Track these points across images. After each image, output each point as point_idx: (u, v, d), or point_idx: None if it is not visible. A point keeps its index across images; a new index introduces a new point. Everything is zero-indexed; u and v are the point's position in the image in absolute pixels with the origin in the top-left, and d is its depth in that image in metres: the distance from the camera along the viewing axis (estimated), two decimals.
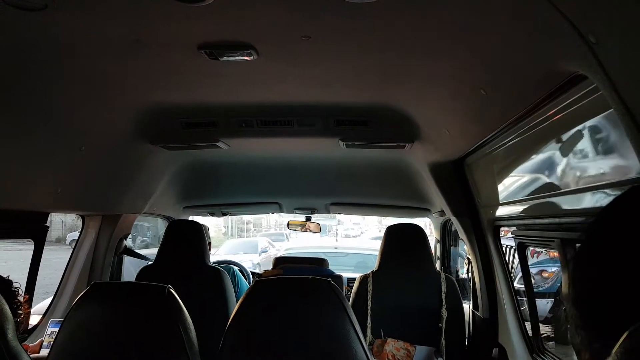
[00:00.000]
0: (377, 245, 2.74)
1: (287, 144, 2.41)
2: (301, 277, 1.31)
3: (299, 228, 3.95)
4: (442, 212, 2.87)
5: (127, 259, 2.88)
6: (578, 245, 0.57)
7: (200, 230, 2.47)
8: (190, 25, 1.21)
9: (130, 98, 1.82)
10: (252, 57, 1.42)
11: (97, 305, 1.31)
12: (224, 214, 3.51)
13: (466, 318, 2.49)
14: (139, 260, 3.11)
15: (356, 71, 1.61)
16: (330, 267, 3.36)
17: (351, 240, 13.58)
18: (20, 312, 1.18)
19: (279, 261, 3.11)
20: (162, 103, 1.90)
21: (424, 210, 3.23)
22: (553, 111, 1.24)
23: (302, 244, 7.17)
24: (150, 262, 2.70)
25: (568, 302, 0.54)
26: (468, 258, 2.42)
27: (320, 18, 1.18)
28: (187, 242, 2.46)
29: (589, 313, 0.51)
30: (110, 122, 1.96)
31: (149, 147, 2.23)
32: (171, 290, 1.33)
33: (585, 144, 1.26)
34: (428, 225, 4.37)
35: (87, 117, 1.81)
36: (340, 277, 2.95)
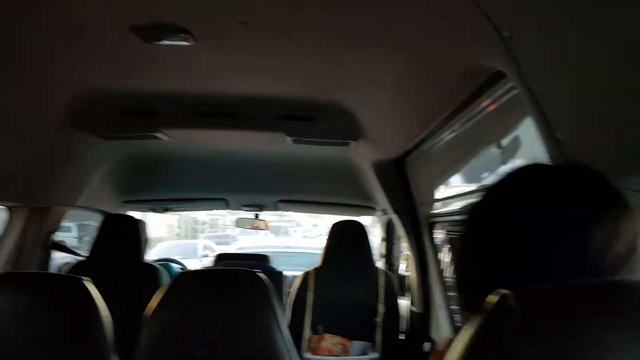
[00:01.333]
0: None
1: (232, 138, 2.36)
2: (227, 268, 1.29)
3: (249, 226, 3.90)
4: (385, 211, 2.92)
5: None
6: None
7: (135, 226, 2.39)
8: (120, 4, 1.16)
9: (61, 81, 1.73)
10: (188, 43, 1.38)
11: (8, 295, 1.23)
12: (165, 210, 3.40)
13: (405, 313, 2.54)
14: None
15: (298, 64, 1.60)
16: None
17: (306, 240, 13.43)
18: None
19: (221, 258, 3.07)
20: (96, 89, 1.81)
21: (369, 209, 3.27)
22: (480, 108, 1.28)
23: (253, 244, 7.09)
24: (83, 258, 2.59)
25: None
26: (407, 255, 2.47)
27: (256, 4, 1.16)
28: (121, 238, 2.37)
29: (467, 296, 0.53)
30: (39, 107, 1.85)
31: (83, 136, 2.12)
32: (86, 282, 1.27)
33: (513, 139, 1.30)
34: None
35: (11, 100, 1.70)
36: (280, 273, 2.94)
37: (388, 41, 1.24)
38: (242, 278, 1.26)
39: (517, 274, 0.48)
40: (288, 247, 6.42)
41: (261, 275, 1.27)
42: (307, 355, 2.27)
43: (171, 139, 2.30)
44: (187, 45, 1.40)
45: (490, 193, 0.55)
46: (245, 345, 1.19)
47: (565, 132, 0.80)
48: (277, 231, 19.78)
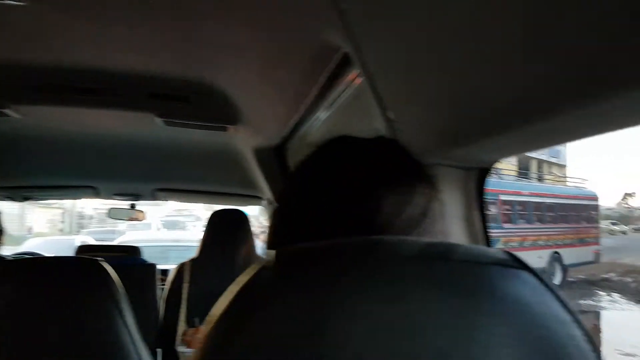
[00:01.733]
0: None
1: (95, 117, 2.15)
2: (62, 256, 1.16)
3: (125, 217, 3.61)
4: (270, 200, 2.89)
5: None
6: None
7: None
8: None
9: None
10: (20, 2, 1.21)
11: None
12: (25, 199, 3.03)
13: None
14: None
15: (163, 37, 1.48)
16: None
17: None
18: None
19: (83, 250, 2.81)
20: None
21: (255, 198, 3.21)
22: (343, 88, 1.28)
23: (140, 238, 6.68)
24: None
25: None
26: None
27: None
28: None
29: None
30: None
31: None
32: None
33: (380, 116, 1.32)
34: None
35: None
36: (152, 266, 2.78)
37: (247, 16, 1.19)
38: (78, 266, 1.14)
39: (308, 236, 0.49)
40: (178, 241, 6.14)
41: (103, 263, 1.15)
42: (182, 348, 2.17)
43: (25, 117, 2.03)
44: (22, 6, 1.23)
45: (301, 161, 0.57)
46: (81, 337, 1.07)
47: (394, 112, 0.82)
48: (172, 226, 18.91)
